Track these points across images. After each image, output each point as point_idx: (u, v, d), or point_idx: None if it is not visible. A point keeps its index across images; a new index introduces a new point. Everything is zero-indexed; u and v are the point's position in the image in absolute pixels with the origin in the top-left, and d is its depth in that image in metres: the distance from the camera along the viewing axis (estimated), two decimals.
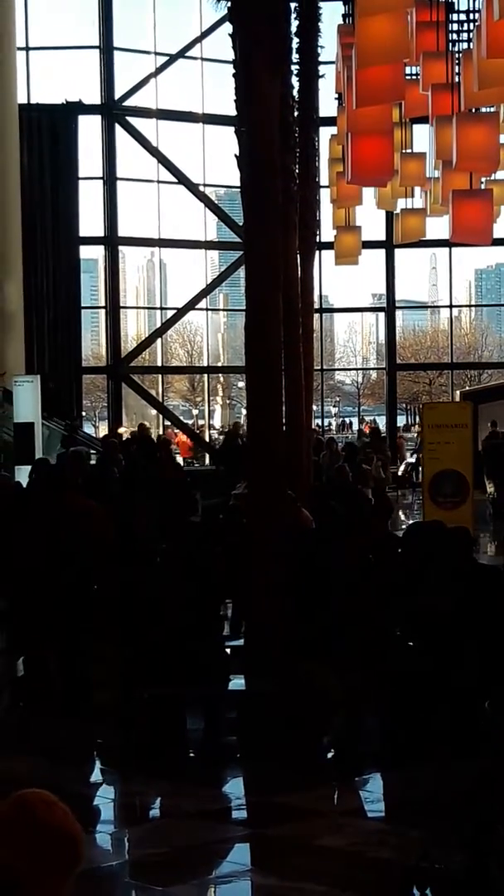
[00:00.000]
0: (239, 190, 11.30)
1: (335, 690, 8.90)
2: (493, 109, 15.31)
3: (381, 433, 32.07)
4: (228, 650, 9.80)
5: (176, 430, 35.18)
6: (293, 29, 18.10)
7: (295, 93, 18.08)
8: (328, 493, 14.67)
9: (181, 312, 33.37)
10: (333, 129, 20.76)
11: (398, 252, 31.97)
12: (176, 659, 8.83)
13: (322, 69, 20.25)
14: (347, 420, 57.62)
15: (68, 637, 9.92)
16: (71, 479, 13.25)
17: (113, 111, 29.70)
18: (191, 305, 32.51)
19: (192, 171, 31.10)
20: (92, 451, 21.53)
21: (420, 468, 20.49)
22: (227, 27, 14.17)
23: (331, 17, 21.07)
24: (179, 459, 33.09)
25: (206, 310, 35.62)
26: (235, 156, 11.62)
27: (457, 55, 15.80)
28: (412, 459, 29.58)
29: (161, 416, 35.16)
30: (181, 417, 39.15)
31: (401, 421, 42.36)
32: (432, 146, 15.67)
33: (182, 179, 30.90)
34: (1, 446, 20.86)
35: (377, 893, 6.25)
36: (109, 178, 29.93)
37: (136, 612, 9.48)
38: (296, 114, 17.92)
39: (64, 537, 10.09)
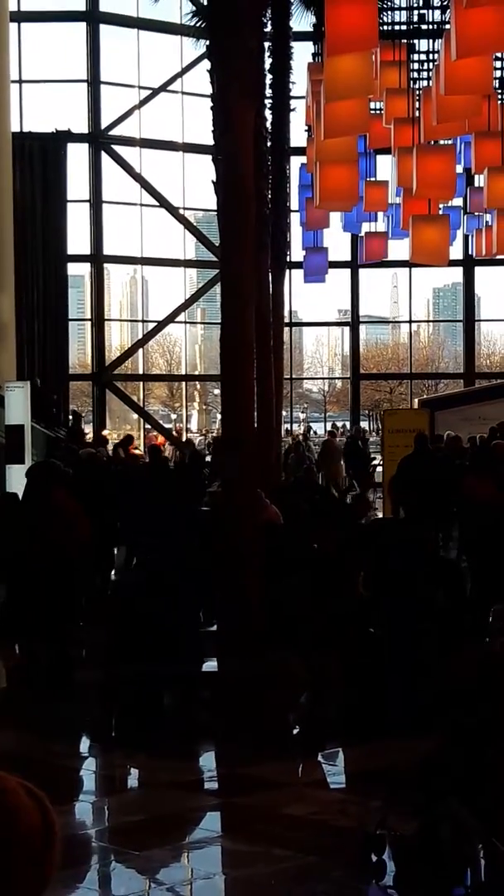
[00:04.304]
0: (216, 213, 11.35)
1: (301, 673, 8.95)
2: (450, 142, 15.41)
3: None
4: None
5: (155, 433, 35.19)
6: (267, 66, 18.20)
7: (268, 124, 18.17)
8: (294, 491, 14.70)
9: (161, 325, 33.32)
10: (303, 158, 20.84)
11: (362, 271, 32.09)
12: (154, 642, 8.85)
13: (293, 103, 20.33)
14: (312, 426, 57.48)
15: (55, 622, 9.92)
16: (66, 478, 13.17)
17: (99, 140, 29.66)
18: (170, 319, 32.48)
19: (172, 196, 31.08)
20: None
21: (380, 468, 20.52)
22: (206, 64, 14.29)
23: (302, 55, 21.11)
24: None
25: (185, 323, 35.61)
26: (213, 182, 11.69)
27: (417, 92, 15.90)
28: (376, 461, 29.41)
29: (142, 420, 35.11)
30: (161, 421, 39.03)
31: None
32: (394, 175, 15.77)
33: (163, 203, 30.88)
34: None
35: (338, 858, 6.29)
36: (96, 201, 29.88)
37: (119, 599, 9.49)
38: (269, 144, 18.00)
39: (50, 532, 10.08)
